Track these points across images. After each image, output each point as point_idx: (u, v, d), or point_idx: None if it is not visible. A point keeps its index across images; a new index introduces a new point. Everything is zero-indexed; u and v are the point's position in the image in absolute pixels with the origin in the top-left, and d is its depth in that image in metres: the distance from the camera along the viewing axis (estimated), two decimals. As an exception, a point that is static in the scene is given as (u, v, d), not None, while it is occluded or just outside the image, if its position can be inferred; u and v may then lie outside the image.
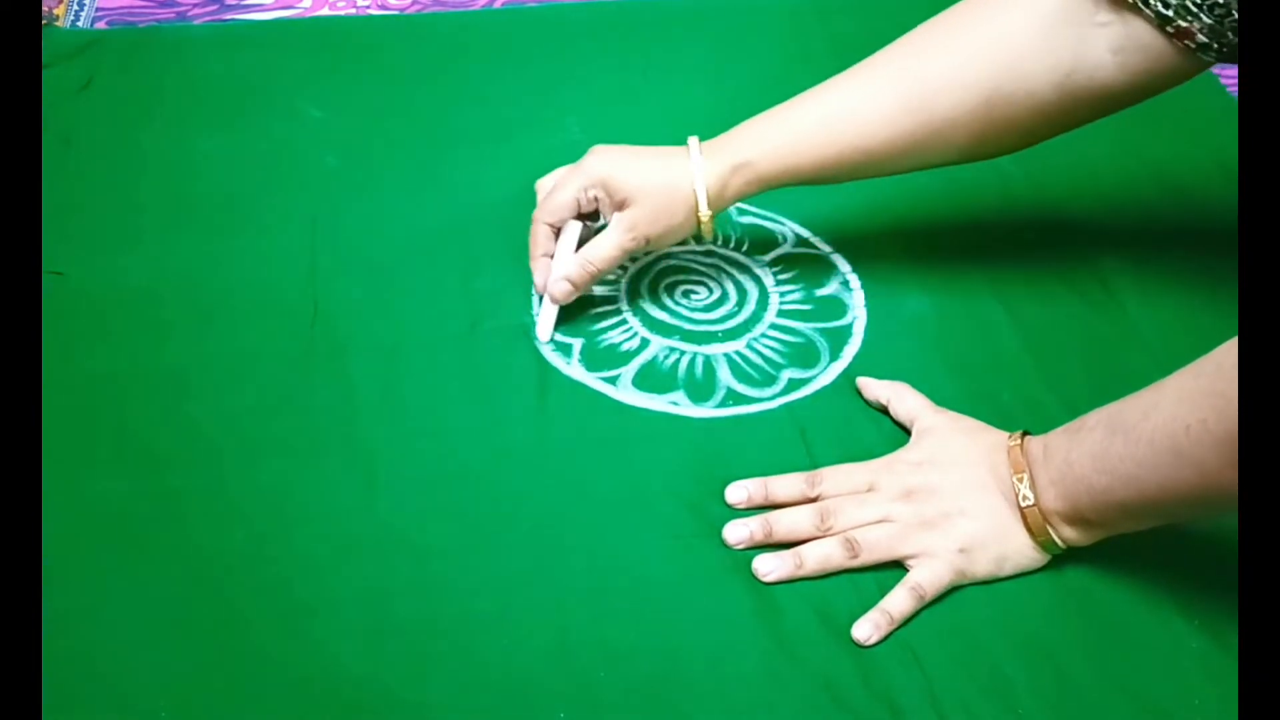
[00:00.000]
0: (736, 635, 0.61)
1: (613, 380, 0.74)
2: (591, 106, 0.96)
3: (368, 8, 1.09)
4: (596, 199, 0.75)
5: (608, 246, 0.74)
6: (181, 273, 0.80)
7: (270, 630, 0.61)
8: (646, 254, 0.80)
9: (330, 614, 0.62)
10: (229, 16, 1.06)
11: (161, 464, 0.68)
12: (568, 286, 0.75)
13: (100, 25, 1.04)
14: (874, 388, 0.73)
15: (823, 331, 0.78)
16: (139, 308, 0.78)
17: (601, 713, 0.58)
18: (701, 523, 0.66)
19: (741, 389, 0.74)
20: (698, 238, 0.79)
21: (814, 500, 0.66)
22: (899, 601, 0.62)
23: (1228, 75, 1.03)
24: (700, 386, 0.74)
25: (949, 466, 0.66)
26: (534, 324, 0.77)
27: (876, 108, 0.73)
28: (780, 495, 0.67)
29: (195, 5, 1.07)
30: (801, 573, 0.63)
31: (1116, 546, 0.63)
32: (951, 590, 0.63)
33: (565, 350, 0.76)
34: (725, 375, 0.75)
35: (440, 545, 0.65)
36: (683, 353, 0.76)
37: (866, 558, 0.64)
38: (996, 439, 0.66)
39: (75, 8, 1.06)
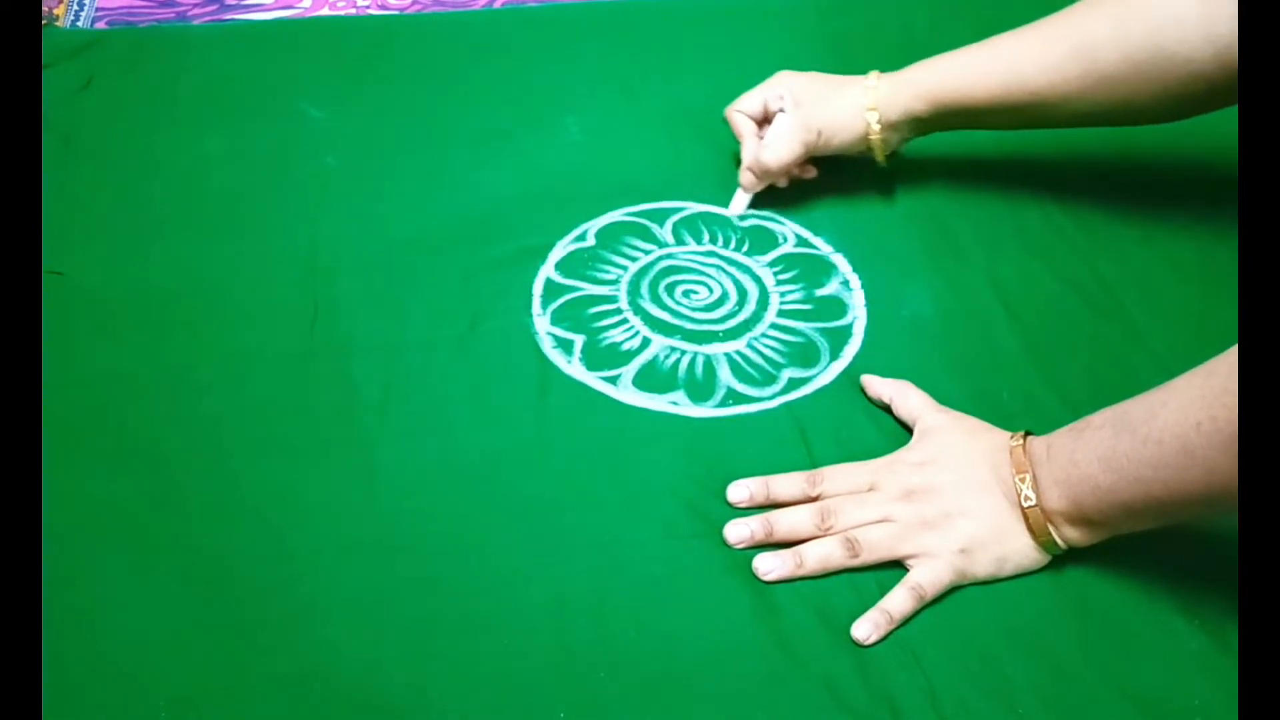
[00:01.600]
0: (736, 635, 0.61)
1: (613, 380, 0.74)
2: (591, 106, 0.96)
3: (368, 8, 1.09)
4: (782, 97, 0.83)
5: (784, 140, 0.82)
6: (181, 272, 0.80)
7: (270, 629, 0.61)
8: (825, 153, 0.84)
9: (330, 613, 0.62)
10: (229, 16, 1.06)
11: (161, 463, 0.68)
12: (750, 176, 0.84)
13: (100, 25, 1.04)
14: (877, 385, 0.73)
15: (823, 331, 0.78)
16: (139, 307, 0.78)
17: (601, 713, 0.58)
18: (701, 523, 0.66)
19: (741, 388, 0.74)
20: (871, 153, 0.84)
21: (815, 500, 0.66)
22: (899, 601, 0.62)
23: (1228, 75, 1.03)
24: (700, 386, 0.74)
25: (950, 466, 0.66)
26: (533, 320, 0.77)
27: (1044, 50, 0.78)
28: (781, 494, 0.67)
29: (195, 5, 1.07)
30: (801, 572, 0.63)
31: (1116, 547, 0.63)
32: (951, 590, 0.63)
33: (566, 349, 0.76)
34: (725, 375, 0.75)
35: (440, 545, 0.65)
36: (683, 352, 0.76)
37: (867, 557, 0.64)
38: (999, 439, 0.66)
39: (75, 8, 1.06)
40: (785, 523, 0.65)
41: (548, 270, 0.82)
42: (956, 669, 0.60)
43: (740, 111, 0.86)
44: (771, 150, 0.83)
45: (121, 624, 0.61)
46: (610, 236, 0.85)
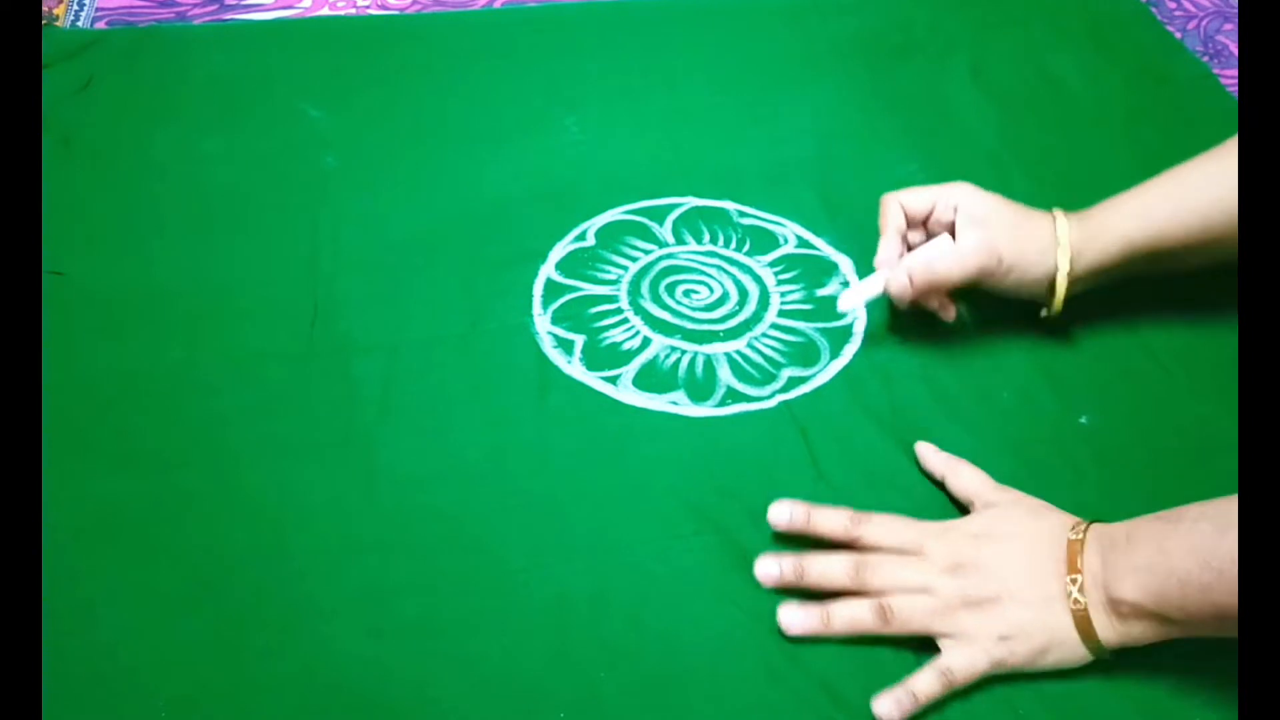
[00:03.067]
0: (736, 635, 0.61)
1: (613, 380, 0.74)
2: (591, 106, 0.96)
3: (368, 8, 1.09)
4: (956, 208, 0.72)
5: (960, 257, 0.71)
6: (181, 272, 0.80)
7: (270, 630, 0.61)
8: (996, 290, 0.73)
9: (330, 613, 0.62)
10: (229, 16, 1.06)
11: (161, 464, 0.68)
12: (906, 282, 0.72)
13: (100, 25, 1.04)
14: (931, 460, 0.69)
15: (824, 331, 0.78)
16: (139, 307, 0.78)
17: (601, 713, 0.58)
18: (701, 523, 0.66)
19: (741, 388, 0.74)
20: (1044, 302, 0.74)
21: (853, 541, 0.63)
22: (926, 684, 0.58)
23: (1228, 75, 1.03)
24: (700, 386, 0.74)
25: (1006, 545, 0.61)
26: (533, 320, 0.77)
27: (1234, 174, 0.70)
28: (821, 527, 0.63)
29: (195, 5, 1.07)
30: (826, 632, 0.60)
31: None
32: (984, 679, 0.59)
33: (566, 348, 0.76)
34: (725, 374, 0.75)
35: (440, 545, 0.65)
36: (684, 352, 0.76)
37: (899, 628, 0.60)
38: (1062, 522, 0.62)
39: (75, 8, 1.06)
40: (817, 569, 0.62)
41: (548, 270, 0.82)
42: (957, 669, 0.60)
43: (900, 202, 0.74)
44: (949, 261, 0.71)
45: (121, 624, 0.61)
46: (610, 236, 0.85)
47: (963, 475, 0.67)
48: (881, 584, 0.61)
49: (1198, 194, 0.71)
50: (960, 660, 0.58)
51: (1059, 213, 0.73)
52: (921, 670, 0.59)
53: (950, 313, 0.76)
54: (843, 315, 0.79)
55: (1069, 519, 0.62)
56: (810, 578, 0.62)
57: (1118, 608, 0.58)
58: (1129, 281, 0.74)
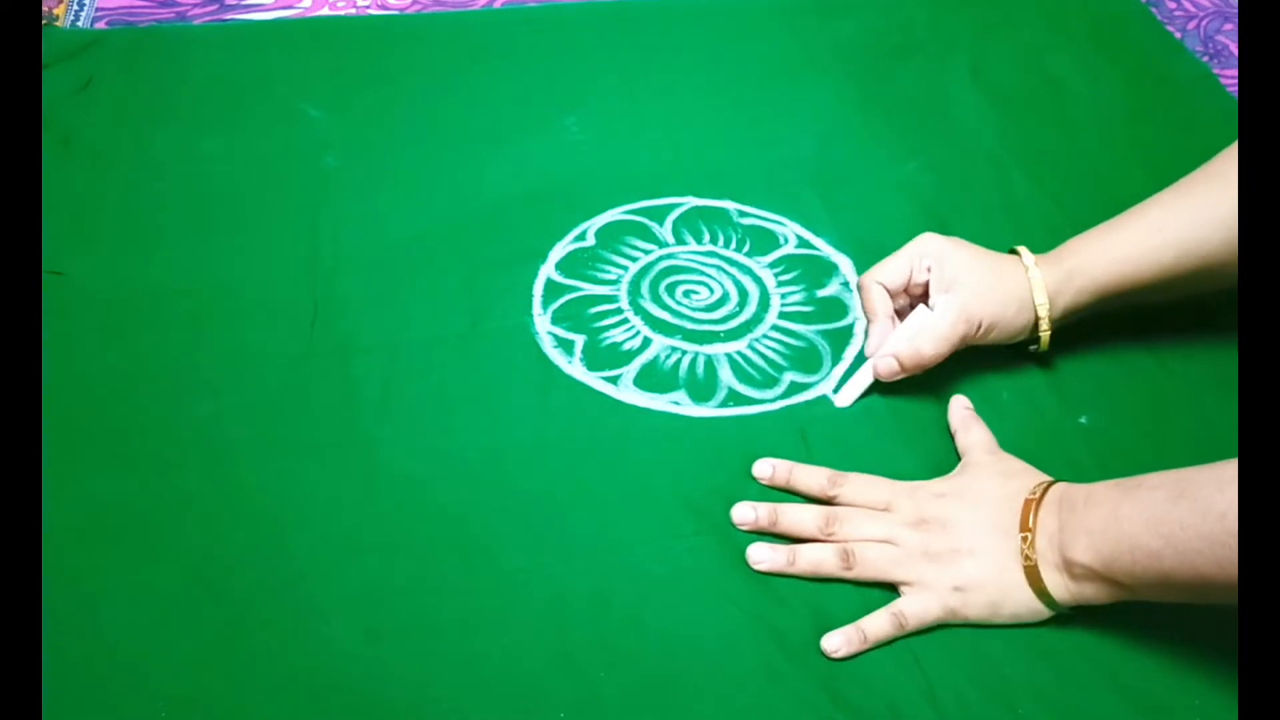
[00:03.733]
0: (736, 635, 0.61)
1: (614, 380, 0.74)
2: (591, 106, 0.96)
3: (368, 8, 1.09)
4: (929, 269, 0.72)
5: (941, 331, 0.71)
6: (182, 272, 0.80)
7: (270, 630, 0.61)
8: (979, 344, 0.73)
9: (330, 613, 0.62)
10: (229, 16, 1.06)
11: (161, 464, 0.68)
12: (894, 365, 0.72)
13: (100, 25, 1.04)
14: (954, 413, 0.72)
15: (824, 334, 0.78)
16: (139, 307, 0.78)
17: (601, 713, 0.58)
18: (701, 523, 0.66)
19: (743, 389, 0.74)
20: (1036, 345, 0.74)
21: (830, 500, 0.66)
22: (878, 625, 0.61)
23: (1228, 75, 1.03)
24: (701, 386, 0.74)
25: (971, 503, 0.64)
26: (533, 320, 0.77)
27: (1205, 210, 0.70)
28: (800, 484, 0.67)
29: (195, 5, 1.07)
30: (791, 570, 0.64)
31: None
32: (936, 626, 0.62)
33: (567, 348, 0.76)
34: (727, 375, 0.75)
35: (440, 545, 0.65)
36: (684, 352, 0.76)
37: (860, 573, 0.63)
38: (1030, 482, 0.64)
39: (75, 8, 1.06)
40: (790, 517, 0.65)
41: (548, 270, 0.82)
42: (956, 669, 0.60)
43: (879, 283, 0.74)
44: (929, 339, 0.71)
45: (122, 624, 0.61)
46: (610, 236, 0.85)
47: (971, 432, 0.70)
48: (848, 534, 0.64)
49: (1170, 233, 0.71)
50: (914, 606, 0.62)
51: (1027, 256, 0.73)
52: (876, 612, 0.61)
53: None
54: (843, 316, 0.79)
55: (1034, 479, 0.64)
56: (783, 525, 0.65)
57: (1070, 568, 0.60)
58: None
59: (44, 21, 1.03)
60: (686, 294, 0.81)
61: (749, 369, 0.75)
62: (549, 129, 0.94)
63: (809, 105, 0.97)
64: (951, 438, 0.71)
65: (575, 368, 0.75)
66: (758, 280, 0.82)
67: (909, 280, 0.74)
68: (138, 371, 0.73)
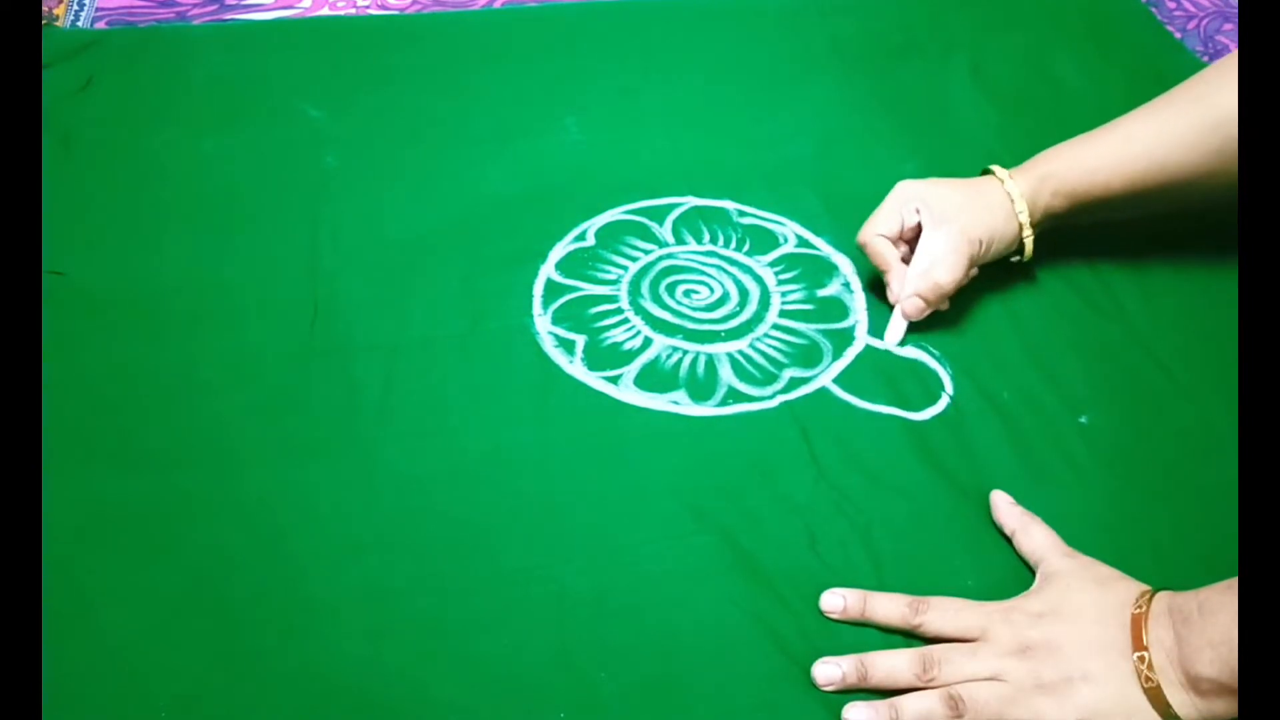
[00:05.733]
0: (736, 635, 0.61)
1: (615, 380, 0.74)
2: (591, 106, 0.96)
3: (368, 8, 1.09)
4: (917, 211, 0.76)
5: (950, 259, 0.74)
6: (181, 272, 0.80)
7: (270, 630, 0.61)
8: (981, 265, 0.77)
9: (330, 614, 0.62)
10: (229, 16, 1.06)
11: (161, 464, 0.68)
12: (919, 303, 0.75)
13: (100, 25, 1.04)
14: (1004, 513, 0.66)
15: (825, 333, 0.78)
16: (139, 307, 0.77)
17: (601, 713, 0.58)
18: (701, 523, 0.66)
19: (742, 387, 0.74)
20: (1020, 255, 0.79)
21: (914, 630, 0.61)
22: None
23: (1228, 75, 1.03)
24: (701, 385, 0.74)
25: (1074, 621, 0.58)
26: (533, 320, 0.77)
27: (1175, 127, 0.75)
28: (878, 616, 0.61)
29: (195, 5, 1.07)
30: None
31: (1117, 548, 0.63)
32: None
33: (568, 348, 0.76)
34: (727, 374, 0.75)
35: (440, 545, 0.65)
36: (685, 352, 0.76)
37: (972, 718, 0.57)
38: (1130, 592, 0.59)
39: (75, 8, 1.06)
40: (882, 669, 0.58)
41: (548, 270, 0.82)
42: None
43: (880, 235, 0.77)
44: (944, 269, 0.74)
45: (122, 623, 0.61)
46: (610, 236, 0.85)
47: (1034, 535, 0.64)
48: (949, 676, 0.58)
49: (1136, 146, 0.76)
50: None
51: (1001, 172, 0.78)
52: None
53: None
54: (844, 316, 0.79)
55: (1136, 588, 0.60)
56: (875, 679, 0.58)
57: (1197, 685, 0.55)
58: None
59: (44, 21, 1.03)
60: (687, 294, 0.81)
61: (750, 368, 0.75)
62: (549, 129, 0.94)
63: (809, 105, 0.97)
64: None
65: (576, 368, 0.75)
66: (758, 279, 0.82)
67: (902, 226, 0.77)
68: (138, 371, 0.73)
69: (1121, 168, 0.76)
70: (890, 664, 0.59)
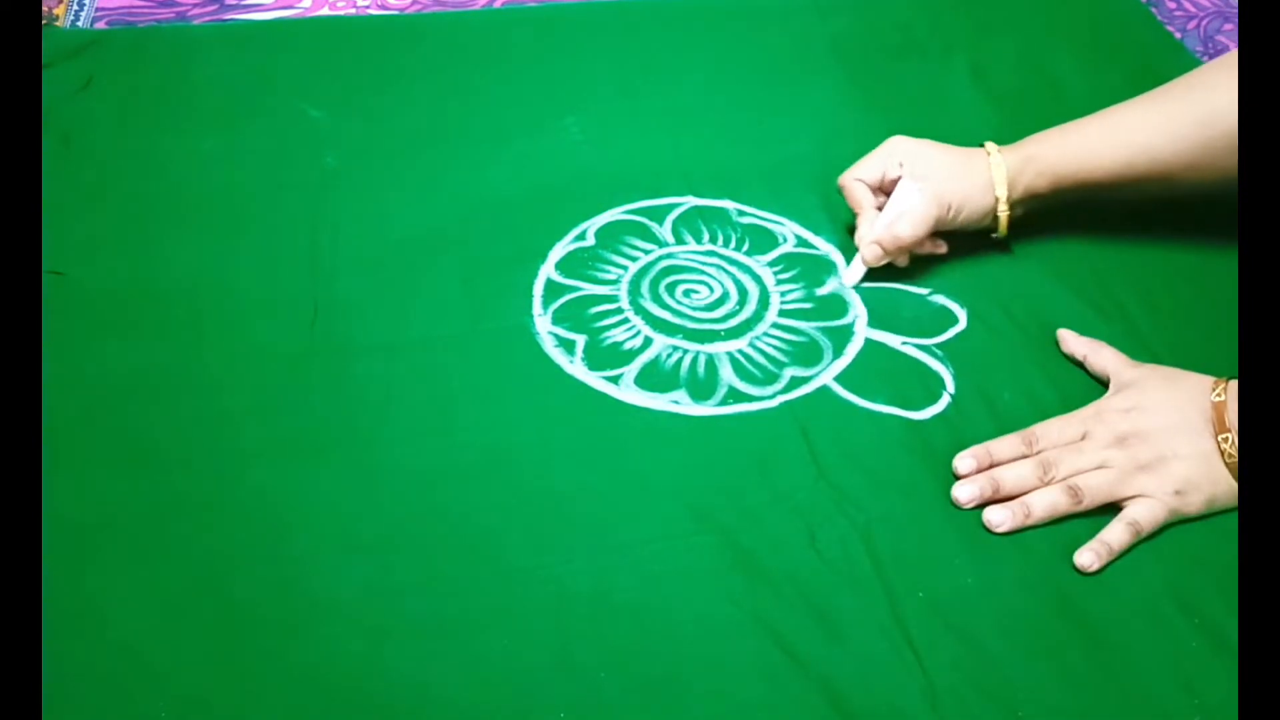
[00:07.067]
0: (736, 635, 0.61)
1: (615, 380, 0.74)
2: (591, 106, 0.96)
3: (368, 8, 1.09)
4: (900, 165, 0.80)
5: (916, 214, 0.78)
6: (181, 272, 0.80)
7: (270, 630, 0.61)
8: (951, 229, 0.80)
9: (330, 614, 0.62)
10: (229, 16, 1.06)
11: (161, 464, 0.68)
12: (878, 250, 0.79)
13: (100, 25, 1.04)
14: (1072, 342, 0.76)
15: (824, 330, 0.78)
16: (139, 308, 0.78)
17: (601, 713, 0.58)
18: (701, 522, 0.66)
19: (743, 387, 0.74)
20: (993, 230, 0.81)
21: (1032, 452, 0.68)
22: (1118, 534, 0.64)
23: (1228, 75, 1.03)
24: (702, 385, 0.74)
25: (1156, 411, 0.68)
26: (534, 320, 0.77)
27: (1165, 118, 0.77)
28: (1002, 455, 0.69)
29: (195, 5, 1.07)
30: (1030, 521, 0.66)
31: (1117, 546, 0.63)
32: (1167, 526, 0.66)
33: (568, 348, 0.76)
34: (727, 373, 0.75)
35: (441, 545, 0.65)
36: (685, 351, 0.76)
37: (1090, 502, 0.66)
38: (1200, 383, 0.68)
39: (75, 8, 1.06)
40: (1010, 478, 0.67)
41: (548, 270, 0.82)
42: (956, 669, 0.60)
43: (859, 180, 0.81)
44: (907, 223, 0.78)
45: (122, 624, 0.61)
46: (610, 236, 0.85)
47: (1103, 354, 0.74)
48: (1065, 472, 0.67)
49: (1124, 134, 0.78)
50: (1144, 513, 0.65)
51: (992, 147, 0.80)
52: (1112, 524, 0.65)
53: (941, 248, 0.82)
54: (844, 314, 0.79)
55: (1206, 380, 0.68)
56: (1006, 487, 0.67)
57: None
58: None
59: (44, 21, 1.03)
60: (686, 293, 0.81)
61: (750, 367, 0.75)
62: (549, 129, 0.94)
63: (808, 105, 0.97)
64: (1079, 365, 0.75)
65: (576, 367, 0.75)
66: (757, 279, 0.82)
67: (883, 176, 0.81)
68: (138, 371, 0.73)
69: (1108, 153, 0.78)
70: (1016, 473, 0.67)
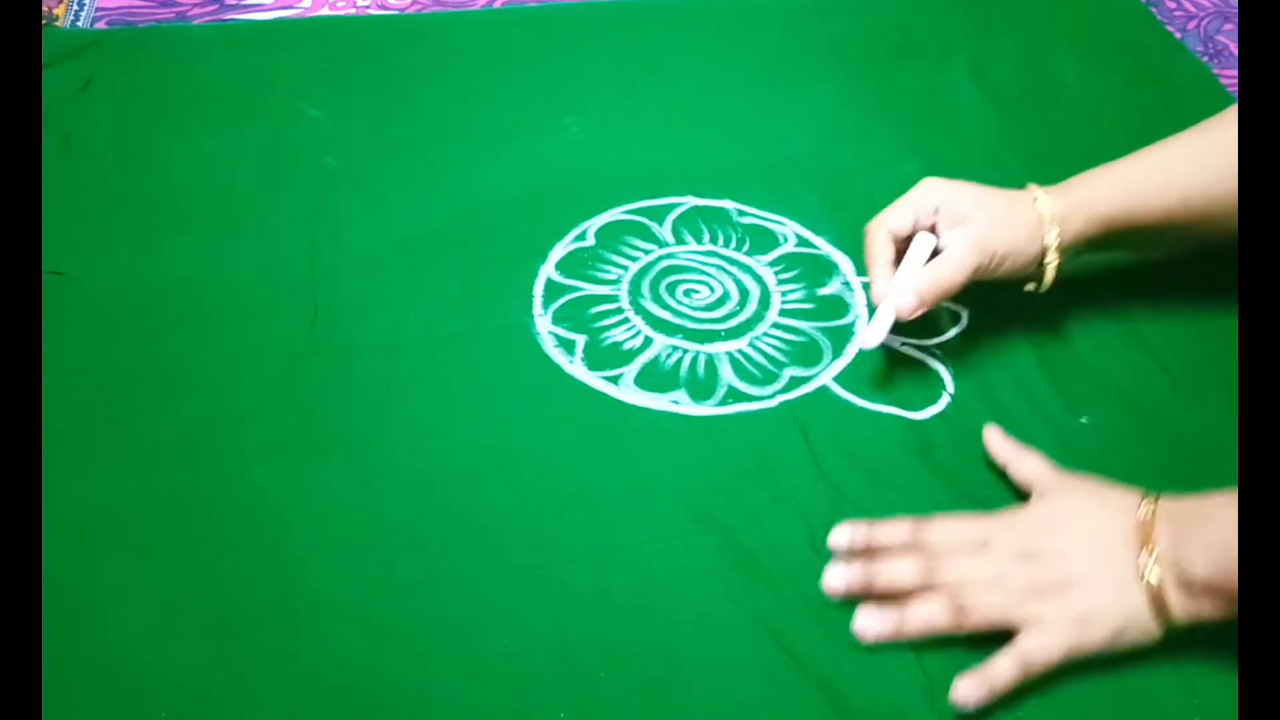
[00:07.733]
0: (736, 635, 0.61)
1: (615, 380, 0.74)
2: (591, 106, 0.96)
3: (368, 8, 1.09)
4: (937, 210, 0.71)
5: (957, 262, 0.70)
6: (181, 272, 0.80)
7: (270, 630, 0.61)
8: (990, 279, 0.72)
9: (330, 614, 0.62)
10: (229, 16, 1.06)
11: (161, 464, 0.68)
12: (913, 300, 0.70)
13: (100, 25, 1.04)
14: (995, 445, 0.69)
15: (825, 331, 0.78)
16: (139, 308, 0.78)
17: (601, 713, 0.58)
18: (701, 522, 0.66)
19: (742, 387, 0.74)
20: (1038, 279, 0.73)
21: (919, 546, 0.62)
22: (1003, 671, 0.57)
23: (1228, 75, 1.03)
24: (701, 385, 0.74)
25: (1073, 527, 0.61)
26: (534, 320, 0.77)
27: (1220, 152, 0.70)
28: (884, 540, 0.63)
29: (195, 5, 1.07)
30: (902, 636, 0.60)
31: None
32: (1059, 669, 0.58)
33: (568, 348, 0.76)
34: (727, 373, 0.75)
35: (441, 545, 0.65)
36: (685, 351, 0.76)
37: (974, 622, 0.59)
38: (1128, 500, 0.61)
39: (75, 8, 1.06)
40: (885, 574, 0.61)
41: (548, 270, 0.82)
42: (956, 669, 0.60)
43: (886, 229, 0.72)
44: (949, 270, 0.69)
45: (121, 624, 0.61)
46: (610, 236, 0.85)
47: (1025, 463, 0.67)
48: (951, 577, 0.60)
49: (1177, 172, 0.71)
50: (1037, 646, 0.58)
51: (1036, 189, 0.73)
52: (998, 656, 0.58)
53: (960, 314, 0.78)
54: (844, 314, 0.79)
55: (1132, 495, 0.61)
56: (880, 583, 0.61)
57: (1189, 585, 0.57)
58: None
59: (44, 21, 1.03)
60: (687, 293, 0.81)
61: (750, 367, 0.75)
62: (549, 129, 0.94)
63: (809, 105, 0.97)
64: (999, 472, 0.68)
65: (576, 367, 0.75)
66: (758, 279, 0.82)
67: (915, 225, 0.72)
68: (138, 371, 0.73)
69: (1158, 195, 0.71)
70: (893, 570, 0.61)
